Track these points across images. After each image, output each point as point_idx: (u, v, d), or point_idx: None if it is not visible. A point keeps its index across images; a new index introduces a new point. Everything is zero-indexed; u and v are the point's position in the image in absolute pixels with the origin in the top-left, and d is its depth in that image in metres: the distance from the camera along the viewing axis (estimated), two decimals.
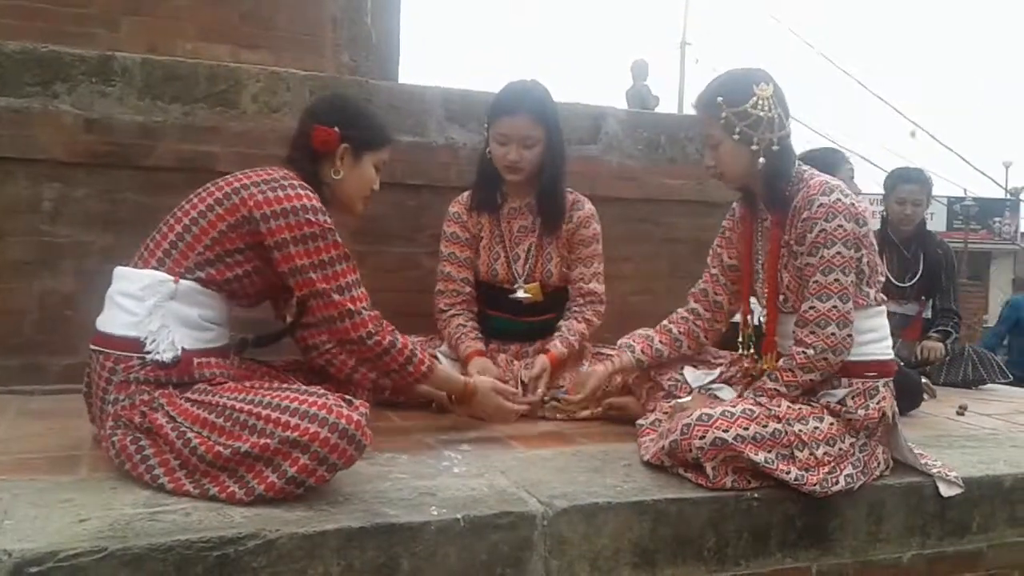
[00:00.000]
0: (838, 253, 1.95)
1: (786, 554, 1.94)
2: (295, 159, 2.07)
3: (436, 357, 2.53)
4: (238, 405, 1.71)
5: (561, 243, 2.73)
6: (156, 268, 1.85)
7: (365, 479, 1.79)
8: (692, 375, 2.28)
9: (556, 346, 2.62)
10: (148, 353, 1.77)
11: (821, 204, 1.96)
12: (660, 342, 2.34)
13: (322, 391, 1.77)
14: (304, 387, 1.83)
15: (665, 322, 2.38)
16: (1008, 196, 23.22)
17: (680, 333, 2.35)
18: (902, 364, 3.32)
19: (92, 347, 1.85)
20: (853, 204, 1.99)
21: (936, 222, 21.70)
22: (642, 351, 2.34)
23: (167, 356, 1.77)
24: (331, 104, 2.19)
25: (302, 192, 1.92)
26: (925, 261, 3.66)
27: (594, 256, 2.74)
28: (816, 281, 1.97)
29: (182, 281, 1.84)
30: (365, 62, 3.86)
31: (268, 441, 1.62)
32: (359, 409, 1.69)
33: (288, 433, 1.62)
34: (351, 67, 3.75)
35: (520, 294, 2.69)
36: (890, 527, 2.04)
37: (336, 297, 1.91)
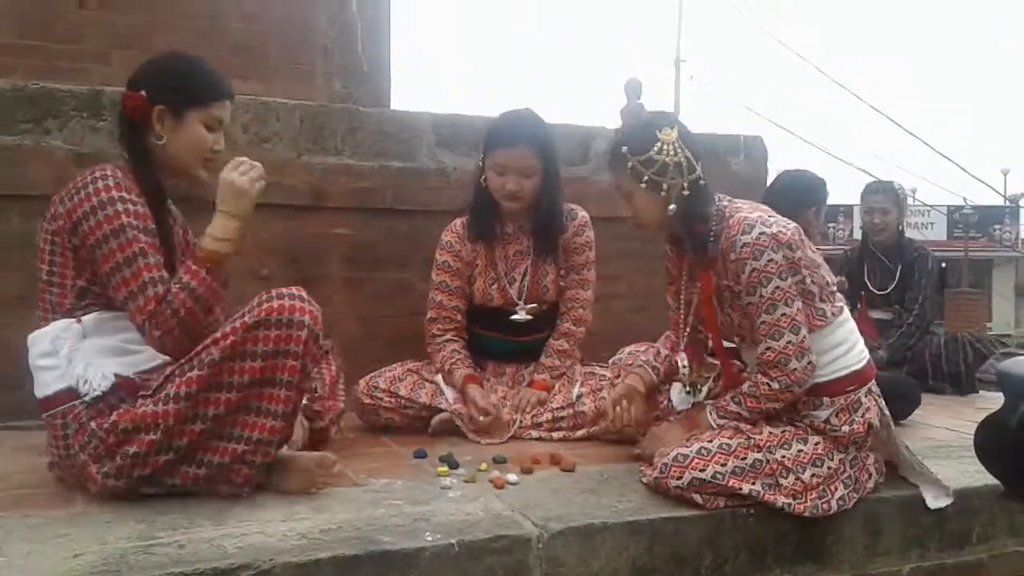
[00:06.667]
0: (776, 288, 1.91)
1: (784, 570, 1.93)
2: (121, 134, 1.97)
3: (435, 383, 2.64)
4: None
5: (557, 255, 2.73)
6: (54, 318, 1.85)
7: (359, 506, 1.79)
8: (677, 398, 2.25)
9: (546, 377, 2.70)
10: (86, 395, 1.79)
11: (745, 244, 1.92)
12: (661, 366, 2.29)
13: None
14: None
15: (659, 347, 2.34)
16: (1007, 203, 23.23)
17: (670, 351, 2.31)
18: (889, 366, 3.34)
19: (43, 417, 1.86)
20: (778, 232, 1.92)
21: (936, 231, 21.73)
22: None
23: (104, 386, 1.79)
24: (143, 68, 1.98)
25: (99, 186, 1.81)
26: (903, 267, 3.77)
27: (587, 263, 2.75)
28: (763, 322, 1.93)
29: (84, 318, 1.84)
30: (357, 90, 3.89)
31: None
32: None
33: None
34: (343, 95, 3.78)
35: (521, 315, 2.68)
36: (888, 540, 2.03)
37: (129, 306, 1.81)
